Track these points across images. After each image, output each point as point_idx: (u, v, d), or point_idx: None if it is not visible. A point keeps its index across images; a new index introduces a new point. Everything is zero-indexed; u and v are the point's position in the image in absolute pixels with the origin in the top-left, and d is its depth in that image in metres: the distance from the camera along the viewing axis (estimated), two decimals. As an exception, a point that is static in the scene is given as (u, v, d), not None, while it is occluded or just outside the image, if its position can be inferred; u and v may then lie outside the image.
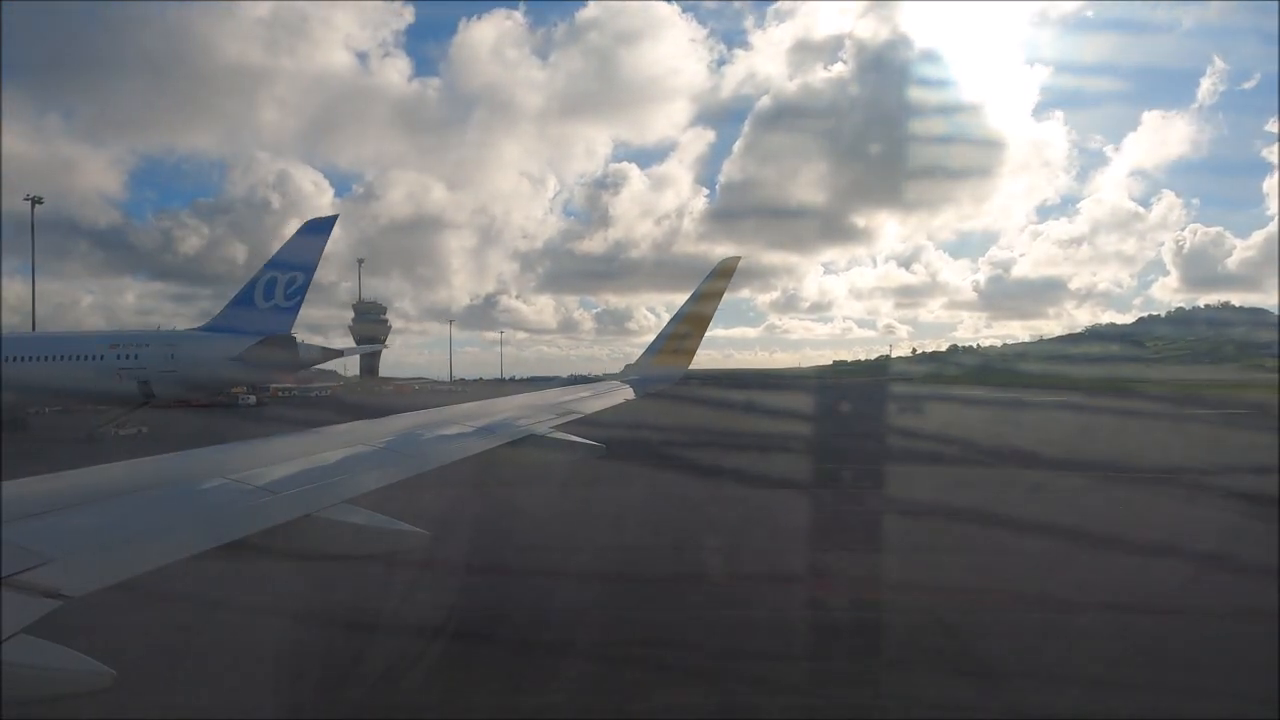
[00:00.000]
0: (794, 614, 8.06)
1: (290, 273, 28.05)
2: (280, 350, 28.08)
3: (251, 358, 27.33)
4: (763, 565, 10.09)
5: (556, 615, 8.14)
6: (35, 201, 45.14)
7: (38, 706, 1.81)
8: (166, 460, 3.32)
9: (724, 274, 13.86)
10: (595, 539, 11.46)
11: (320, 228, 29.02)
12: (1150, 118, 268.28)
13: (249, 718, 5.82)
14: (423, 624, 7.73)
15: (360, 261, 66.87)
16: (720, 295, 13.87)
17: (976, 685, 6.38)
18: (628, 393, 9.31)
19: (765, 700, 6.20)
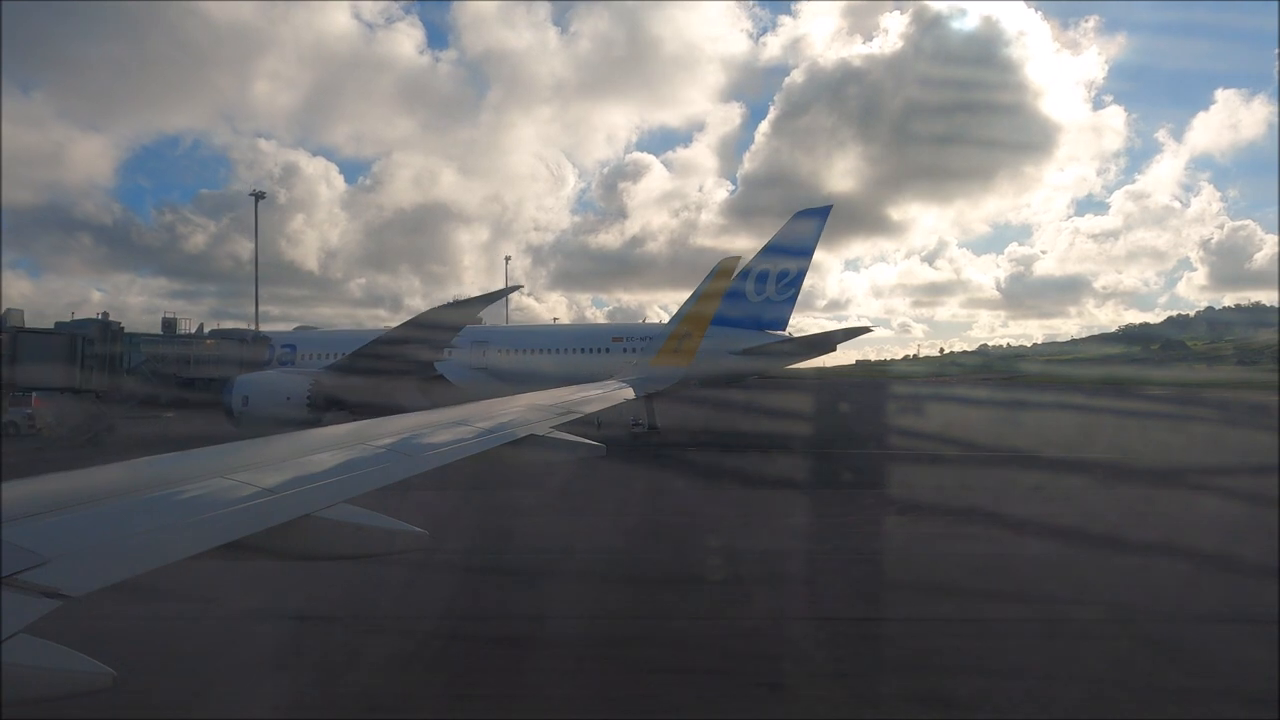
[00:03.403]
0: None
1: (782, 264, 28.06)
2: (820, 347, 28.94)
3: (775, 349, 27.88)
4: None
5: (550, 614, 8.14)
6: (259, 197, 44.46)
7: (38, 706, 1.80)
8: (166, 460, 3.32)
9: (724, 274, 13.95)
10: (589, 538, 11.47)
11: (813, 217, 28.71)
12: (1225, 96, 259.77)
13: (249, 718, 5.82)
14: (422, 623, 7.74)
15: (507, 259, 70.51)
16: (720, 295, 13.95)
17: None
18: (628, 392, 9.34)
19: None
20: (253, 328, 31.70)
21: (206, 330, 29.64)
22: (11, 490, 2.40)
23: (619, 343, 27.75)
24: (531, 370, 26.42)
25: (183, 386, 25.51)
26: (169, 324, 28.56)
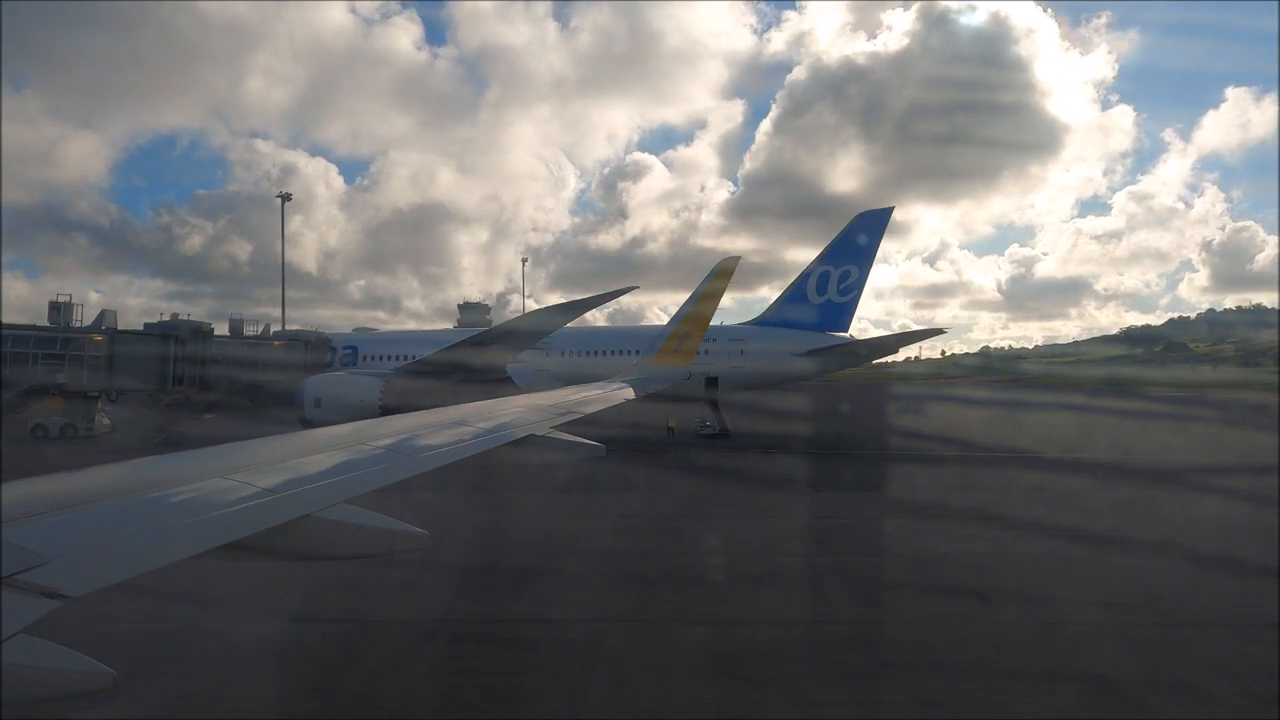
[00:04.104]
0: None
1: (844, 266, 27.86)
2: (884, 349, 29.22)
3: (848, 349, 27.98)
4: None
5: (548, 612, 8.14)
6: (285, 198, 43.29)
7: (38, 706, 1.81)
8: (166, 460, 3.32)
9: (723, 274, 13.90)
10: (587, 538, 11.48)
11: (874, 220, 28.54)
12: (1236, 94, 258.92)
13: (248, 717, 5.81)
14: (422, 623, 7.73)
15: (524, 261, 70.22)
16: (720, 295, 13.91)
17: None
18: (628, 393, 9.34)
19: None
20: (315, 330, 31.27)
21: (272, 331, 29.42)
22: (11, 490, 2.39)
23: None
24: (596, 372, 26.55)
25: (246, 389, 25.40)
26: (236, 326, 28.50)
